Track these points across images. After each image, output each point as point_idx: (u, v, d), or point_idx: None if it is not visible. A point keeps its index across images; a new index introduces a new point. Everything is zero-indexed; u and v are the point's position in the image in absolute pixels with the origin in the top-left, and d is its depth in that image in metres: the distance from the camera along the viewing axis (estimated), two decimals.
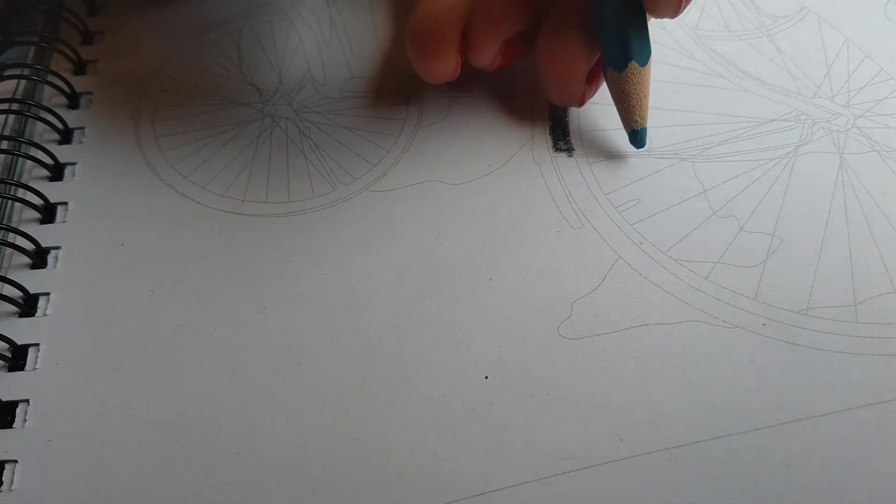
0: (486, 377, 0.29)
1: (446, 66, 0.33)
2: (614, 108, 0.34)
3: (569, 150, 0.35)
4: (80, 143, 0.36)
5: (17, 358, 0.30)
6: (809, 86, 0.37)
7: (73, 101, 0.38)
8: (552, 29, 0.33)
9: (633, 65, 0.32)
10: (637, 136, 0.34)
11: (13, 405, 0.29)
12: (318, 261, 0.32)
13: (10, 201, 0.33)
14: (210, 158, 0.35)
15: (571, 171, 0.34)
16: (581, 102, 0.35)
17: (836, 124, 0.36)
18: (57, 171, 0.35)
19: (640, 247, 0.32)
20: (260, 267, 0.32)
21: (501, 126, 0.36)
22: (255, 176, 0.35)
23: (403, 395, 0.28)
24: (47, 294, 0.31)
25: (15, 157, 0.35)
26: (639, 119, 0.33)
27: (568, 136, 0.36)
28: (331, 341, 0.30)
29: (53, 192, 0.34)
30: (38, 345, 0.30)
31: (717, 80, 0.38)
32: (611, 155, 0.35)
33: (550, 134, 0.36)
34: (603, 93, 0.35)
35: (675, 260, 0.32)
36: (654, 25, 0.40)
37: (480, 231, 0.33)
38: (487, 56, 0.34)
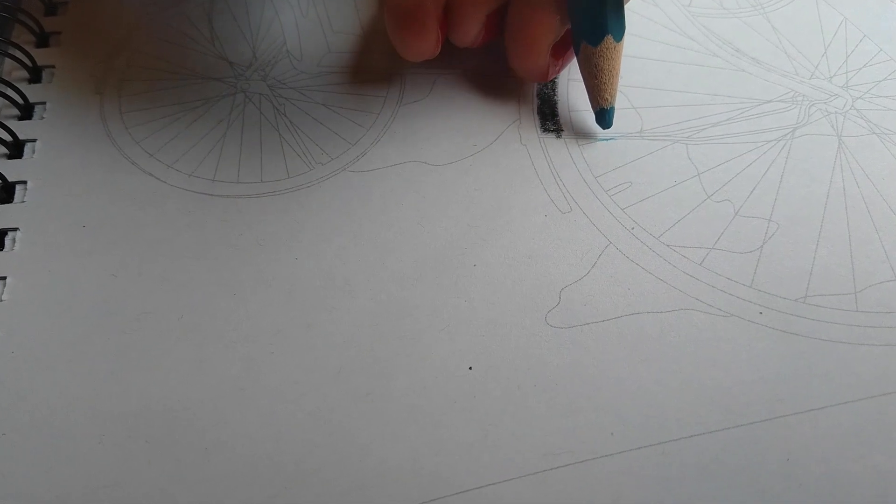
0: (471, 368, 0.28)
1: (426, 43, 0.32)
2: None
3: (557, 131, 0.34)
4: (42, 118, 0.35)
5: None
6: (807, 66, 0.37)
7: (35, 75, 0.36)
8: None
9: (609, 39, 0.31)
10: (605, 116, 0.33)
11: None
12: (293, 245, 0.31)
13: None
14: (178, 135, 0.34)
15: (560, 153, 0.33)
16: (545, 76, 0.34)
17: (834, 106, 0.35)
18: (16, 148, 0.34)
19: (632, 232, 0.31)
20: (230, 250, 0.31)
21: (487, 105, 0.35)
22: (225, 154, 0.34)
23: (383, 386, 0.28)
24: (4, 278, 0.30)
25: None
26: (608, 97, 0.33)
27: (556, 115, 0.35)
28: (306, 330, 0.29)
29: (12, 170, 0.33)
30: None
31: (711, 59, 0.37)
32: (601, 136, 0.34)
33: (538, 113, 0.35)
34: None
35: (668, 246, 0.31)
36: (646, 2, 0.39)
37: (465, 214, 0.32)
38: (471, 32, 0.33)
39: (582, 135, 0.34)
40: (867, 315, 0.29)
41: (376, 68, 0.36)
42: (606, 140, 0.34)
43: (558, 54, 0.34)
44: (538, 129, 0.34)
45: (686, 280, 0.30)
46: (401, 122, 0.35)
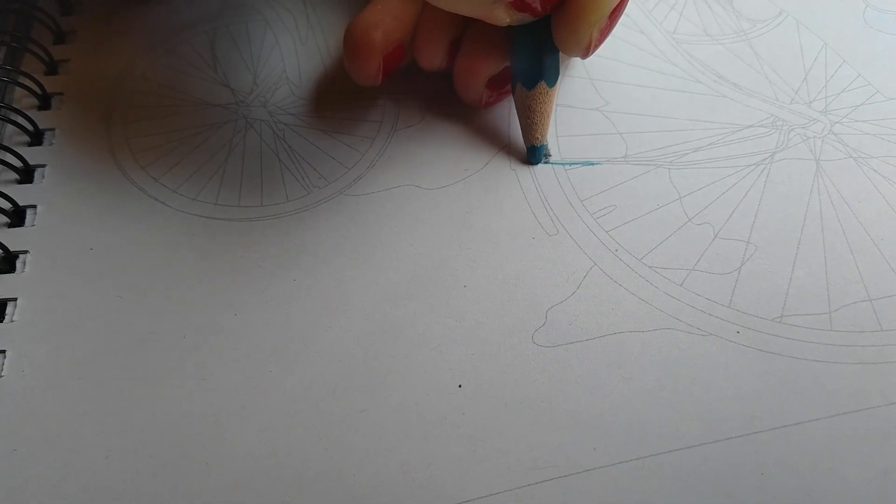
0: (460, 385, 0.29)
1: (367, 72, 0.34)
2: (590, 113, 0.34)
3: (545, 156, 0.35)
4: (51, 144, 0.36)
5: None
6: (787, 91, 0.37)
7: (45, 102, 0.37)
8: (473, 31, 0.34)
9: (542, 85, 0.33)
10: (534, 153, 0.35)
11: None
12: (291, 266, 0.32)
13: None
14: (182, 161, 0.35)
15: (548, 177, 0.34)
16: (480, 104, 0.36)
17: (813, 130, 0.36)
18: (26, 174, 0.35)
19: (616, 254, 0.32)
20: (232, 272, 0.32)
21: (478, 130, 0.36)
22: (227, 179, 0.34)
23: (377, 403, 0.28)
24: (14, 300, 0.31)
25: None
26: (539, 136, 0.34)
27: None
28: (303, 348, 0.30)
29: (22, 195, 0.34)
30: (3, 351, 0.30)
31: (694, 85, 0.38)
32: (587, 161, 0.35)
33: None
34: (577, 98, 0.36)
35: (651, 267, 0.31)
36: (632, 29, 0.40)
37: (456, 237, 0.32)
38: (436, 57, 0.35)
39: (569, 160, 0.35)
40: (841, 334, 0.30)
41: (372, 95, 0.37)
42: (592, 164, 0.35)
43: (495, 87, 0.35)
44: (527, 154, 0.35)
45: (667, 300, 0.31)
46: (395, 148, 0.35)
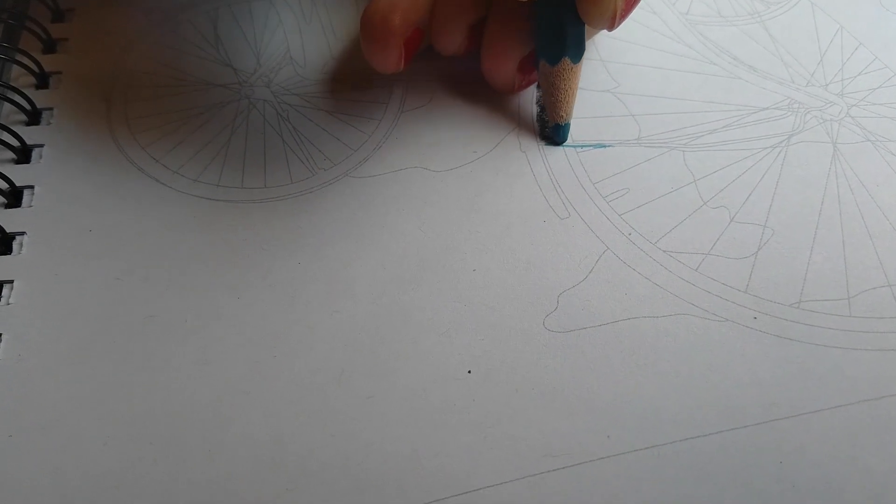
0: (469, 371, 0.28)
1: (389, 59, 0.32)
2: (602, 95, 0.34)
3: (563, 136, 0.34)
4: (49, 124, 0.35)
5: None
6: (803, 73, 0.37)
7: (42, 81, 0.37)
8: (495, 13, 0.33)
9: (566, 61, 0.32)
10: (559, 131, 0.34)
11: None
12: (296, 249, 0.31)
13: None
14: (184, 141, 0.34)
15: (559, 160, 0.34)
16: (511, 88, 0.35)
17: (830, 113, 0.35)
18: (24, 154, 0.34)
19: (629, 238, 0.31)
20: (234, 255, 0.31)
21: (487, 112, 0.35)
22: (230, 160, 0.34)
23: (384, 389, 0.28)
24: (11, 282, 0.30)
25: None
26: (564, 114, 0.34)
27: None
28: (308, 333, 0.29)
29: (20, 175, 0.33)
30: (0, 335, 0.29)
31: (708, 66, 0.37)
32: (599, 144, 0.34)
33: (538, 121, 0.35)
34: (588, 80, 0.35)
35: (665, 251, 0.31)
36: (644, 10, 0.39)
37: (465, 220, 0.32)
38: (455, 41, 0.34)
39: (580, 142, 0.34)
40: (860, 320, 0.29)
41: (378, 75, 0.36)
42: (604, 147, 0.34)
43: (525, 70, 0.34)
44: (538, 136, 0.34)
45: (682, 285, 0.30)
46: (402, 129, 0.35)
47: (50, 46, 0.38)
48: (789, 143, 0.34)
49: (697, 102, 0.36)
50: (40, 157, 0.34)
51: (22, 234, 0.31)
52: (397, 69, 0.33)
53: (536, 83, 0.36)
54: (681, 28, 0.39)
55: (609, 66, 0.37)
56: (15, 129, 0.34)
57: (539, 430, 0.27)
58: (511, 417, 0.27)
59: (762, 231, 0.31)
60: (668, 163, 0.34)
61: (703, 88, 0.36)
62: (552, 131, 0.34)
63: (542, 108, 0.35)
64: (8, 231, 0.31)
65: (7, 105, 0.35)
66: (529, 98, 0.36)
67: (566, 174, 0.33)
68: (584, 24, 0.32)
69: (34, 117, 0.35)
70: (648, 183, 0.33)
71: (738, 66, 0.37)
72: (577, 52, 0.32)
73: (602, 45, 0.38)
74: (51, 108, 0.35)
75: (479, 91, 0.36)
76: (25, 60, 0.36)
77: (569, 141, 0.34)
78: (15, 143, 0.34)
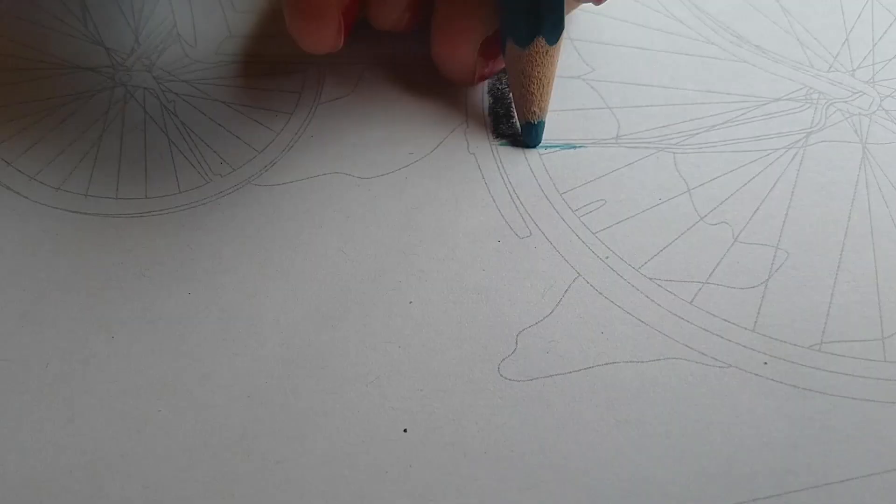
0: (405, 430, 0.28)
1: (324, 34, 0.32)
2: (571, 83, 0.34)
3: (514, 136, 0.35)
4: None
5: None
6: (824, 56, 0.38)
7: None
8: None
9: (540, 41, 0.32)
10: (531, 132, 0.34)
11: None
12: (185, 276, 0.31)
13: None
14: (43, 139, 0.35)
15: (517, 164, 0.34)
16: (471, 78, 0.35)
17: (858, 105, 0.36)
18: None
19: (606, 262, 0.32)
20: (107, 283, 0.31)
21: (427, 104, 0.36)
22: (101, 163, 0.34)
23: (297, 453, 0.28)
24: None
25: None
26: (537, 110, 0.34)
27: (512, 117, 0.35)
28: (201, 382, 0.29)
29: None
30: None
31: (705, 47, 0.38)
32: (568, 144, 0.35)
33: (490, 115, 0.36)
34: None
35: (651, 279, 0.31)
36: None
37: (398, 239, 0.32)
38: (394, 13, 0.34)
39: (545, 141, 0.35)
40: None
41: (289, 57, 0.37)
42: (574, 148, 0.35)
43: (488, 54, 0.34)
44: (490, 133, 0.35)
45: (673, 322, 0.30)
46: (319, 125, 0.35)
47: None
48: (807, 143, 0.35)
49: (692, 92, 0.36)
50: None
51: None
52: (334, 48, 0.33)
53: (500, 71, 0.36)
54: None
55: (580, 46, 0.38)
56: None
57: None
58: (458, 489, 0.27)
59: (774, 253, 0.32)
60: (654, 168, 0.34)
61: (699, 74, 0.37)
62: (522, 132, 0.34)
63: (497, 98, 0.35)
64: None
65: None
66: (480, 86, 0.36)
67: (527, 182, 0.34)
68: None
69: None
70: (630, 193, 0.33)
71: (743, 47, 0.38)
72: (555, 30, 0.32)
73: (571, 21, 0.38)
74: None
75: (416, 78, 0.36)
76: None
77: None
78: None
